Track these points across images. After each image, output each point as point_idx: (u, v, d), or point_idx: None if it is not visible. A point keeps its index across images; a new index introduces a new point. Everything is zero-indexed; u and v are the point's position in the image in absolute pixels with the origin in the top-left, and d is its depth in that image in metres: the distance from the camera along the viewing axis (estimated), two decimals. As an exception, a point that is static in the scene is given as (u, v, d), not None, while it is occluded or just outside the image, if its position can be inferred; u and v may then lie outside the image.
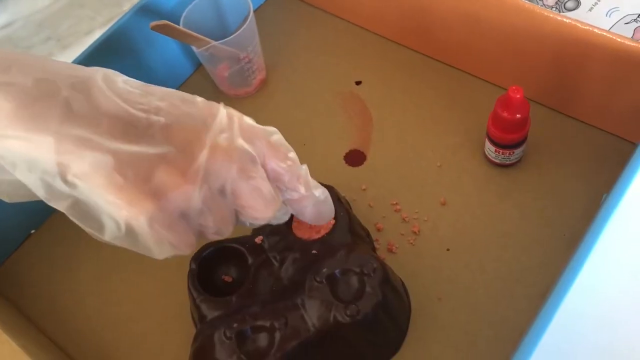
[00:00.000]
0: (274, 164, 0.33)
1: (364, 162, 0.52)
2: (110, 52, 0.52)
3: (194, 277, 0.42)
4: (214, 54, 0.52)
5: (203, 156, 0.30)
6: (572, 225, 0.45)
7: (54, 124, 0.28)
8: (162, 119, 0.30)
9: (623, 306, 0.42)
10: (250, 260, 0.42)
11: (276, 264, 0.42)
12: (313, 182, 0.36)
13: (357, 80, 0.57)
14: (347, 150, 0.53)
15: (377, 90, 0.56)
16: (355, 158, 0.52)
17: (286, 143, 0.35)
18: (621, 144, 0.49)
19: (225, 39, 0.51)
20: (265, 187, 0.33)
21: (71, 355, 0.46)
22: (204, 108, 0.32)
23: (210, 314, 0.40)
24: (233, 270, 0.44)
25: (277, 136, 0.34)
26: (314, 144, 0.54)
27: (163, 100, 0.31)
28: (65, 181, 0.29)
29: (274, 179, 0.34)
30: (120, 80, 0.31)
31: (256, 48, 0.55)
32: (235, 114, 0.33)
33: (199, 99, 0.33)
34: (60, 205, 0.30)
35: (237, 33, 0.51)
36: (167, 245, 0.30)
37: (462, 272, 0.45)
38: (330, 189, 0.45)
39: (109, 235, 0.30)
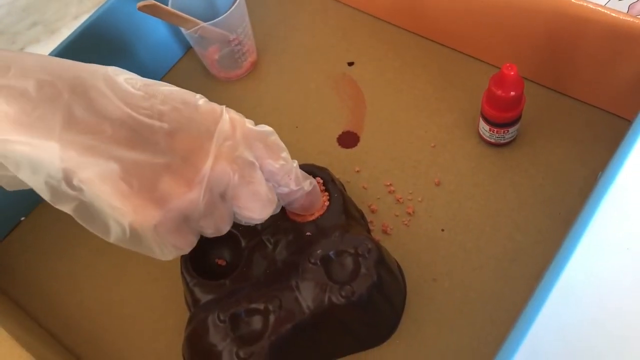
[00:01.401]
0: (269, 165, 0.34)
1: (358, 144, 0.51)
2: (97, 35, 0.51)
3: (186, 261, 0.41)
4: (204, 35, 0.51)
5: (207, 166, 0.31)
6: (567, 203, 0.45)
7: (57, 130, 0.28)
8: (165, 125, 0.30)
9: (618, 283, 0.42)
10: (243, 243, 0.42)
11: (270, 246, 0.41)
12: (302, 175, 0.37)
13: (350, 61, 0.57)
14: (340, 132, 0.52)
15: (370, 71, 0.55)
16: (348, 140, 0.52)
17: (281, 143, 0.35)
18: (616, 121, 0.48)
19: (215, 20, 0.50)
20: (263, 190, 0.34)
21: (62, 341, 0.45)
22: (206, 112, 0.32)
23: (204, 297, 0.40)
24: (226, 254, 0.43)
25: (273, 137, 0.35)
26: (307, 127, 0.53)
27: (165, 103, 0.31)
28: (71, 185, 0.29)
29: (268, 178, 0.35)
30: (122, 79, 0.31)
31: (246, 30, 0.54)
32: (237, 119, 0.33)
33: (201, 101, 0.33)
34: (65, 208, 0.30)
35: (226, 14, 0.50)
36: (170, 247, 0.31)
37: (457, 252, 0.45)
38: (324, 170, 0.45)
39: (114, 237, 0.31)
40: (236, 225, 0.42)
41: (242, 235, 0.42)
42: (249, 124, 0.34)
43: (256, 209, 0.34)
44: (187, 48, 0.60)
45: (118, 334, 0.45)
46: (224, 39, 0.52)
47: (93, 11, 0.52)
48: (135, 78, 0.32)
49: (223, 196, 0.32)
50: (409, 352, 0.41)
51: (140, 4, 0.46)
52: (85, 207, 0.30)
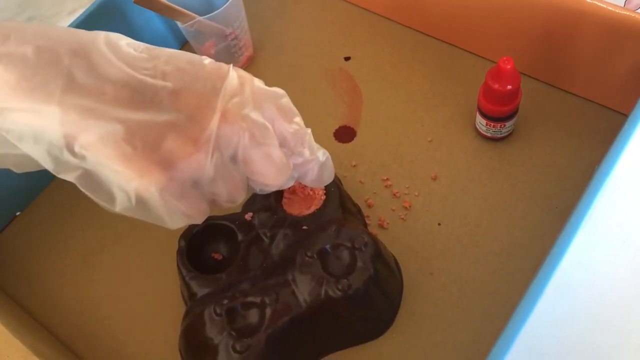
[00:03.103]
0: (281, 128, 0.32)
1: (354, 139, 0.51)
2: (93, 29, 0.51)
3: (183, 254, 0.41)
4: (200, 30, 0.51)
5: (214, 123, 0.29)
6: (563, 197, 0.45)
7: (57, 94, 0.27)
8: (169, 84, 0.29)
9: (615, 277, 0.42)
10: (240, 237, 0.42)
11: (266, 240, 0.41)
12: (315, 145, 0.35)
13: (346, 56, 0.56)
14: (336, 127, 0.52)
15: (366, 65, 0.55)
16: (345, 134, 0.52)
17: (293, 107, 0.33)
18: (612, 116, 0.48)
19: (211, 14, 0.50)
20: (277, 153, 0.32)
21: (58, 335, 0.45)
22: (212, 70, 0.31)
23: (201, 291, 0.40)
24: (223, 248, 0.43)
25: (285, 99, 0.33)
26: (303, 121, 0.53)
27: (169, 63, 0.30)
28: (73, 153, 0.28)
29: (280, 144, 0.32)
30: (124, 43, 0.30)
31: (242, 24, 0.54)
32: (246, 76, 0.31)
33: (207, 60, 0.31)
34: (69, 177, 0.29)
35: (222, 8, 0.50)
36: (179, 215, 0.30)
37: (454, 246, 0.45)
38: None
39: (119, 206, 0.29)
40: (232, 220, 0.42)
41: (238, 229, 0.42)
42: (258, 82, 0.32)
43: (271, 175, 0.32)
44: (183, 42, 0.60)
45: (114, 328, 0.45)
46: (220, 34, 0.52)
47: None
48: (137, 42, 0.31)
49: (234, 159, 0.30)
50: (406, 345, 0.41)
51: (136, -3, 0.45)
52: (89, 176, 0.29)
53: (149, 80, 0.29)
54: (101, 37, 0.30)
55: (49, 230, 0.50)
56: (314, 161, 0.35)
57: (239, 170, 0.31)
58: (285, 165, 0.32)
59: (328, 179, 0.37)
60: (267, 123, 0.31)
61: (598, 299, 0.41)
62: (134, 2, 0.45)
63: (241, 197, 0.32)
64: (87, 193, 0.29)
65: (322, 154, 0.36)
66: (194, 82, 0.30)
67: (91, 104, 0.27)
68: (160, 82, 0.29)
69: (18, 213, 0.52)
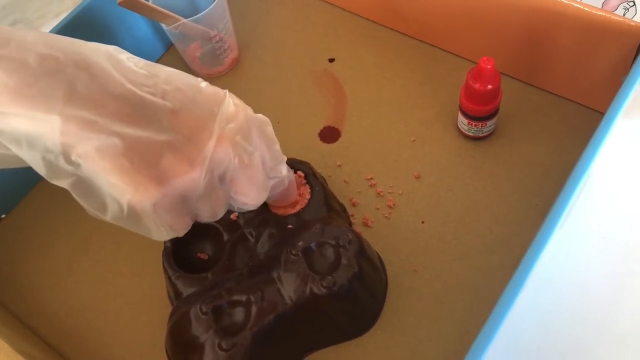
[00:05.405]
0: (263, 153, 0.35)
1: (339, 139, 0.52)
2: (77, 32, 0.51)
3: (168, 254, 0.41)
4: (185, 32, 0.51)
5: (210, 146, 0.31)
6: (544, 195, 0.46)
7: (58, 103, 0.28)
8: (168, 104, 0.30)
9: (594, 271, 0.43)
10: (225, 237, 0.42)
11: (252, 239, 0.42)
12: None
13: (331, 57, 0.57)
14: (321, 127, 0.53)
15: (350, 67, 0.56)
16: (329, 135, 0.52)
17: (274, 135, 0.36)
18: (591, 115, 0.49)
19: (196, 16, 0.50)
20: (260, 176, 0.34)
21: (45, 337, 0.45)
22: (209, 95, 0.32)
23: (186, 290, 0.40)
24: (208, 248, 0.43)
25: (269, 127, 0.36)
26: (289, 122, 0.53)
27: (169, 83, 0.31)
28: (69, 161, 0.28)
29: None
30: (125, 57, 0.31)
31: (227, 26, 0.54)
32: (240, 104, 0.34)
33: (203, 84, 0.33)
34: (62, 183, 0.30)
35: (207, 10, 0.50)
36: (166, 228, 0.31)
37: (437, 243, 0.45)
38: (305, 164, 0.45)
39: (110, 215, 0.30)
40: (218, 219, 0.43)
41: (224, 229, 0.42)
42: (249, 110, 0.34)
43: (252, 195, 0.34)
44: (169, 45, 0.60)
45: (102, 330, 0.45)
46: (205, 36, 0.53)
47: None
48: (136, 58, 0.32)
49: (222, 179, 0.32)
50: (391, 342, 0.42)
51: (121, -1, 0.46)
52: (83, 183, 0.29)
53: (150, 97, 0.30)
54: (103, 50, 0.30)
55: (35, 233, 0.50)
56: (287, 178, 0.38)
57: (225, 189, 0.33)
58: (265, 187, 0.35)
59: (289, 199, 0.42)
60: (254, 147, 0.33)
61: (578, 292, 0.42)
62: (119, 4, 0.46)
63: (222, 214, 0.34)
64: (78, 200, 0.30)
65: (289, 175, 0.39)
66: (192, 104, 0.31)
67: (92, 116, 0.28)
68: (160, 101, 0.30)
69: (3, 215, 0.52)
